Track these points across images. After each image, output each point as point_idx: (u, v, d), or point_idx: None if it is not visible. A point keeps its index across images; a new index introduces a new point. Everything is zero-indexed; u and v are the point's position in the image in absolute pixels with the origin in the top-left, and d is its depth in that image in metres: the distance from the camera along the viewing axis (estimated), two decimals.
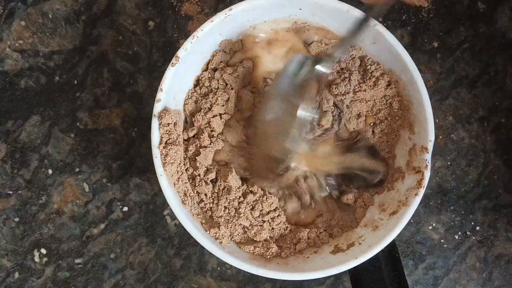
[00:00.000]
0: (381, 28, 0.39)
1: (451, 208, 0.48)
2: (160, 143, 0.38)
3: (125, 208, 0.47)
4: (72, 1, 0.47)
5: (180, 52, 0.38)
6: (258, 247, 0.40)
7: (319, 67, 0.38)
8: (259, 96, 0.43)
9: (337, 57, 0.38)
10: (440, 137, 0.48)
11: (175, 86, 0.40)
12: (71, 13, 0.47)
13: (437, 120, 0.48)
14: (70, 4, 0.47)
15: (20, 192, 0.46)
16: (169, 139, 0.39)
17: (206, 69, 0.42)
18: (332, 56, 0.38)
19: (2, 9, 0.47)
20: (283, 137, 0.40)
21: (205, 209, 0.41)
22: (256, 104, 0.43)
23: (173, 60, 0.38)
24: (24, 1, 0.47)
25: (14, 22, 0.47)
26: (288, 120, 0.40)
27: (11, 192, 0.46)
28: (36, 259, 0.46)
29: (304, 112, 0.39)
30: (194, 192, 0.41)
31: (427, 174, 0.39)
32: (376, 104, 0.43)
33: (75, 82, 0.47)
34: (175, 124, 0.40)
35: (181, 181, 0.40)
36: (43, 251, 0.46)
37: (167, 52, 0.47)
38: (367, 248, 0.38)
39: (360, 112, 0.43)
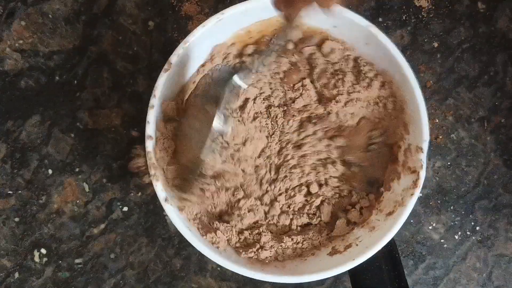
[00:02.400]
0: (373, 29, 0.39)
1: (451, 208, 0.48)
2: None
3: (125, 208, 0.47)
4: (72, 1, 0.47)
5: (173, 58, 0.38)
6: (255, 251, 0.40)
7: (236, 79, 0.38)
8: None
9: (255, 69, 0.38)
10: (440, 137, 0.48)
11: (169, 92, 0.40)
12: (71, 13, 0.47)
13: (437, 120, 0.48)
14: (70, 4, 0.47)
15: (20, 192, 0.46)
16: (163, 143, 0.39)
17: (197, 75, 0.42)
18: (249, 68, 0.38)
19: (2, 9, 0.47)
20: (199, 148, 0.39)
21: (201, 214, 0.41)
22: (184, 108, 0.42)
23: (166, 66, 0.38)
24: (24, 1, 0.47)
25: (14, 22, 0.47)
26: (204, 131, 0.39)
27: (11, 192, 0.46)
28: (36, 259, 0.46)
29: (217, 123, 0.38)
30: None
31: (423, 174, 0.39)
32: (370, 105, 0.43)
33: (75, 82, 0.47)
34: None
35: None
36: (43, 251, 0.46)
37: (167, 52, 0.46)
38: (364, 249, 0.38)
39: (354, 113, 0.43)
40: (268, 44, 0.42)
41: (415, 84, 0.39)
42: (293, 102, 0.43)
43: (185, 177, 0.40)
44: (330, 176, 0.43)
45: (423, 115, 0.39)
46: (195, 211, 0.41)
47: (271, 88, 0.43)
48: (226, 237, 0.40)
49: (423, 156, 0.39)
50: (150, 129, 0.38)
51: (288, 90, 0.43)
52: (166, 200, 0.37)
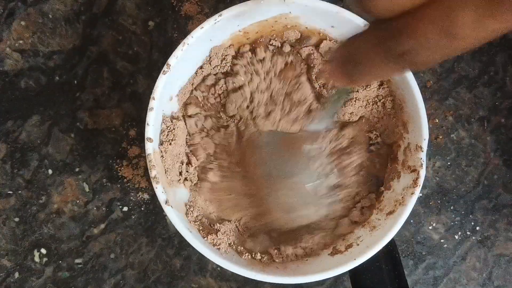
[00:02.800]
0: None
1: (451, 208, 0.48)
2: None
3: (125, 208, 0.47)
4: (72, 1, 0.47)
5: (171, 60, 0.38)
6: (256, 252, 0.40)
7: (312, 126, 0.39)
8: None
9: (329, 115, 0.39)
10: (440, 137, 0.48)
11: (168, 94, 0.40)
12: (71, 13, 0.47)
13: (437, 120, 0.48)
14: (70, 4, 0.47)
15: (20, 192, 0.46)
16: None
17: (196, 76, 0.42)
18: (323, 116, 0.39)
19: (2, 9, 0.47)
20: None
21: (202, 215, 0.41)
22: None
23: (164, 68, 0.38)
24: (24, 1, 0.47)
25: (14, 22, 0.47)
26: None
27: (11, 192, 0.46)
28: (36, 259, 0.46)
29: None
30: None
31: (423, 173, 0.39)
32: (369, 104, 0.43)
33: (75, 82, 0.47)
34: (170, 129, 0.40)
35: None
36: (43, 251, 0.46)
37: (167, 52, 0.47)
38: (365, 248, 0.38)
39: (353, 113, 0.43)
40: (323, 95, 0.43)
41: (413, 82, 0.39)
42: (289, 95, 0.43)
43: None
44: (349, 163, 0.43)
45: (422, 113, 0.39)
46: (196, 213, 0.41)
47: (266, 83, 0.43)
48: (227, 238, 0.40)
49: (423, 155, 0.39)
50: (150, 131, 0.38)
51: (285, 85, 0.43)
52: (166, 202, 0.37)
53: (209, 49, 0.42)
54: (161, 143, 0.39)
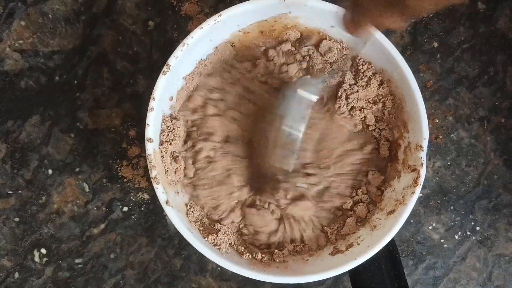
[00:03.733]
0: (371, 28, 0.39)
1: (451, 208, 0.48)
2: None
3: (125, 208, 0.47)
4: (72, 1, 0.47)
5: (171, 60, 0.38)
6: (257, 252, 0.40)
7: (301, 92, 0.39)
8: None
9: (322, 82, 0.39)
10: (440, 137, 0.48)
11: (168, 94, 0.40)
12: (71, 13, 0.47)
13: (437, 120, 0.48)
14: (70, 4, 0.47)
15: (20, 192, 0.46)
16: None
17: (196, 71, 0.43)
18: (316, 81, 0.39)
19: (2, 9, 0.47)
20: (270, 156, 0.41)
21: (202, 215, 0.41)
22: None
23: (164, 68, 0.38)
24: (24, 1, 0.47)
25: (14, 22, 0.47)
26: (273, 139, 0.40)
27: (11, 192, 0.46)
28: (36, 259, 0.46)
29: (288, 129, 0.39)
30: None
31: (423, 172, 0.39)
32: (369, 103, 0.43)
33: (75, 82, 0.47)
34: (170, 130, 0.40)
35: None
36: (43, 251, 0.46)
37: (167, 52, 0.47)
38: (366, 248, 0.38)
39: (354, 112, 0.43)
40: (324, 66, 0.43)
41: (412, 81, 0.39)
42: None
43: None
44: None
45: (422, 112, 0.39)
46: (196, 213, 0.41)
47: None
48: (228, 238, 0.40)
49: (423, 154, 0.39)
50: (150, 131, 0.38)
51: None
52: (167, 202, 0.37)
53: (209, 48, 0.42)
54: (161, 143, 0.39)
